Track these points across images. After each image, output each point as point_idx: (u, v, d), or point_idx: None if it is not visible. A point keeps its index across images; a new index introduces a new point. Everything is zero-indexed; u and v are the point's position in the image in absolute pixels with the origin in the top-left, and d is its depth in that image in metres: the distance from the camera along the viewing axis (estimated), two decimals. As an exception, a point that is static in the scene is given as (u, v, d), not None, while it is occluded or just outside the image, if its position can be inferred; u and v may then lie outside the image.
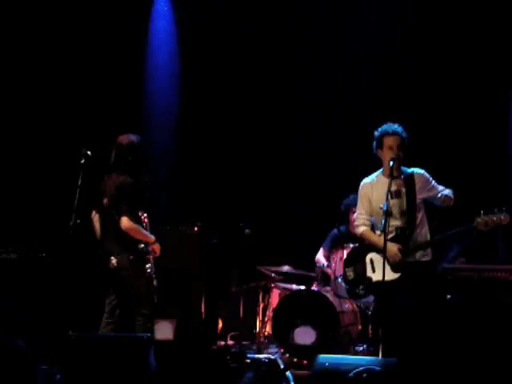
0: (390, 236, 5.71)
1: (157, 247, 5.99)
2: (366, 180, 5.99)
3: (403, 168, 5.84)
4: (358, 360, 5.05)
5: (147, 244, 5.92)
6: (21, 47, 8.26)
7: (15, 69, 8.23)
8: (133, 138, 5.99)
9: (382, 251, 5.57)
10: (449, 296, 5.72)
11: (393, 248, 5.67)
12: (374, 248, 5.87)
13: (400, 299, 5.58)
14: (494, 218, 5.42)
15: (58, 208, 7.10)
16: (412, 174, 5.83)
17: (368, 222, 5.94)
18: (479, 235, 5.56)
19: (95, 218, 6.04)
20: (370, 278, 5.87)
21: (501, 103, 7.86)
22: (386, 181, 5.78)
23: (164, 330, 7.01)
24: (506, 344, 5.41)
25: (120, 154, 5.95)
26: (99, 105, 8.32)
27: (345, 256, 6.81)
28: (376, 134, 5.84)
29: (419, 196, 5.77)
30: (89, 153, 5.79)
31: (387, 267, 5.63)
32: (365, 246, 5.98)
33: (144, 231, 5.93)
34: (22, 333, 5.59)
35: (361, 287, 5.95)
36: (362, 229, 5.95)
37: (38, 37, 8.29)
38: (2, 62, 8.16)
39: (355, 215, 6.07)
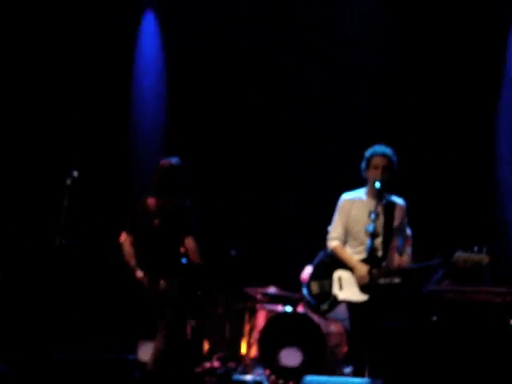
0: (360, 256, 5.75)
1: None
2: (347, 195, 6.01)
3: (386, 193, 5.89)
4: (344, 381, 5.05)
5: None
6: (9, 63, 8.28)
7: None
8: (175, 161, 6.27)
9: (350, 269, 5.63)
10: (434, 317, 5.73)
11: (362, 269, 5.69)
12: (343, 265, 5.87)
13: (375, 320, 5.59)
14: (475, 258, 5.43)
15: (42, 229, 7.09)
16: (394, 202, 5.90)
17: (342, 238, 5.94)
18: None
19: (126, 241, 6.20)
20: (336, 296, 5.87)
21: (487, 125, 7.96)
22: (367, 201, 5.83)
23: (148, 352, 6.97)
24: (492, 366, 5.41)
25: (165, 178, 6.19)
26: (86, 124, 8.33)
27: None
28: (366, 153, 5.90)
29: (396, 223, 5.84)
30: (75, 174, 5.82)
31: (357, 288, 5.67)
32: (334, 262, 5.96)
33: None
34: (4, 357, 5.56)
35: (325, 304, 5.94)
36: (335, 243, 5.94)
37: (25, 52, 8.31)
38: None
39: (329, 228, 6.05)
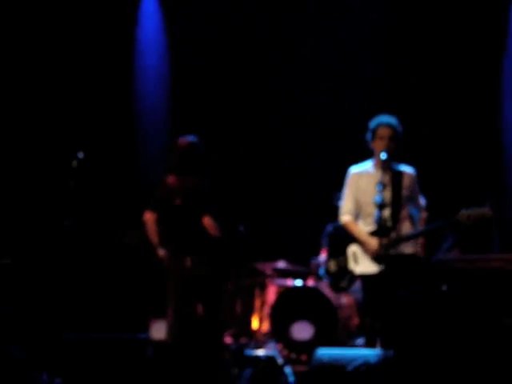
0: (370, 228, 5.74)
1: None
2: (355, 169, 6.00)
3: (394, 163, 5.86)
4: (356, 353, 5.06)
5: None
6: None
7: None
8: (194, 139, 6.31)
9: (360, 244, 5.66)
10: (444, 287, 5.73)
11: (373, 243, 5.68)
12: (356, 240, 5.88)
13: (387, 291, 5.60)
14: (478, 212, 5.46)
15: (51, 211, 7.10)
16: (402, 171, 5.87)
17: (353, 212, 5.93)
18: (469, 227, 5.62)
19: (150, 220, 6.22)
20: (352, 271, 5.90)
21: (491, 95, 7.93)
22: (375, 172, 5.80)
23: (160, 330, 6.99)
24: (504, 334, 5.41)
25: (185, 156, 6.24)
26: (91, 106, 8.32)
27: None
28: (370, 124, 5.86)
29: (405, 193, 5.81)
30: (81, 155, 5.84)
31: (369, 260, 5.68)
32: (347, 238, 5.97)
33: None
34: (17, 339, 5.59)
35: (344, 280, 5.97)
36: (346, 218, 5.94)
37: (27, 39, 8.29)
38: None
39: (340, 203, 6.04)
